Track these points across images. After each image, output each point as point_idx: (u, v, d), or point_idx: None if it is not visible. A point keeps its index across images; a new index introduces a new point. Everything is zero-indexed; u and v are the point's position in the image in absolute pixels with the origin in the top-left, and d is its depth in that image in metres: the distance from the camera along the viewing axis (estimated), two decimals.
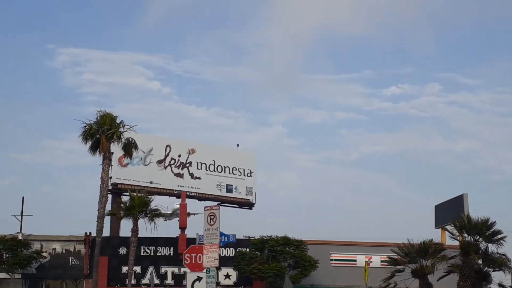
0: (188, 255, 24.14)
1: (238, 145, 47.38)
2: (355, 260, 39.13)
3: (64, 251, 38.29)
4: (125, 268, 35.46)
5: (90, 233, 37.28)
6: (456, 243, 30.26)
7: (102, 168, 32.43)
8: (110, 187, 36.46)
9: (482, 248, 29.32)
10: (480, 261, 29.21)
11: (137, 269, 36.67)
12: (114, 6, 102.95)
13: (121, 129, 32.86)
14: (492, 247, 29.43)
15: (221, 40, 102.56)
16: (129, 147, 33.77)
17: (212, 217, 22.26)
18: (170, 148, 43.52)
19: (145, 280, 37.20)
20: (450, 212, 40.99)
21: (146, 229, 33.27)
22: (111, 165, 34.30)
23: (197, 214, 36.41)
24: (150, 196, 34.36)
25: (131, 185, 40.25)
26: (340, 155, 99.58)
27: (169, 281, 37.72)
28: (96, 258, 32.45)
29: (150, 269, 37.61)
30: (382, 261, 36.86)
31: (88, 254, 37.22)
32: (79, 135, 32.56)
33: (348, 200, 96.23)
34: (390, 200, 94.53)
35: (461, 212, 36.11)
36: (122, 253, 37.22)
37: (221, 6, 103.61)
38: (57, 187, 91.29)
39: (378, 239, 43.49)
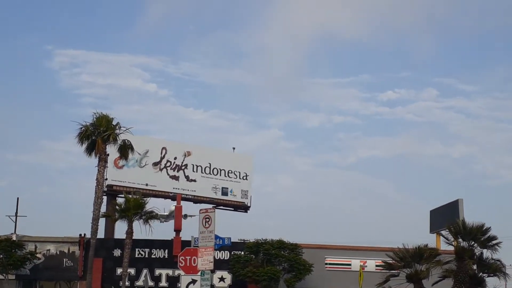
0: (183, 258, 24.13)
1: (234, 148, 47.44)
2: (349, 264, 39.12)
3: (58, 253, 38.18)
4: (119, 270, 35.40)
5: (84, 234, 37.20)
6: (451, 248, 30.27)
7: (98, 169, 32.45)
8: (105, 189, 36.37)
9: (477, 253, 29.33)
10: (474, 267, 29.23)
11: (132, 271, 36.56)
12: (113, 8, 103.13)
13: (117, 131, 32.88)
14: (487, 253, 29.47)
15: (220, 43, 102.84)
16: (125, 149, 33.78)
17: (207, 219, 22.26)
18: (166, 151, 43.50)
19: (139, 282, 37.15)
20: (445, 217, 41.00)
21: (141, 231, 33.27)
22: (107, 166, 34.33)
23: (194, 216, 36.55)
24: (145, 198, 34.36)
25: (127, 187, 40.15)
26: (337, 158, 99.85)
27: (163, 283, 37.62)
28: (90, 259, 32.39)
29: (145, 271, 37.54)
30: (377, 266, 36.89)
31: (83, 255, 37.13)
32: (75, 136, 32.66)
33: (344, 204, 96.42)
34: (385, 204, 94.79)
35: (456, 218, 36.13)
36: (117, 255, 37.13)
37: (220, 9, 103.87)
38: (54, 188, 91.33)
39: (373, 243, 43.49)
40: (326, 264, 39.20)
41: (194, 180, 44.04)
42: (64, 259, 38.04)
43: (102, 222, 36.24)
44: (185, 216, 39.87)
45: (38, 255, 37.48)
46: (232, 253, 37.36)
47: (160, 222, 38.93)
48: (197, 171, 44.27)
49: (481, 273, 29.39)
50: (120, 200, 36.43)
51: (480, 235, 29.00)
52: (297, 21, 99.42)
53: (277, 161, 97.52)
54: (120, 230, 37.39)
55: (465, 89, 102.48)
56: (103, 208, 34.40)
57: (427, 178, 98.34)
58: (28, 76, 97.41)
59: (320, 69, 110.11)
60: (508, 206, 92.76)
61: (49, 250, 38.23)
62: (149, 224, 33.32)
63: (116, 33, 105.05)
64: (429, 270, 29.21)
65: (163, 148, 43.49)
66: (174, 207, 40.11)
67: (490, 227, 29.10)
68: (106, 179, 36.29)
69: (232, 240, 34.73)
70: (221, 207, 44.50)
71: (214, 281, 36.19)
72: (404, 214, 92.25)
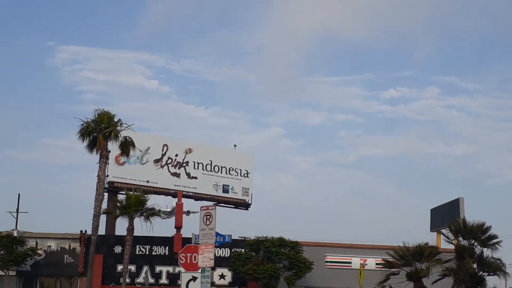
0: (184, 255, 24.08)
1: (235, 146, 47.42)
2: (350, 263, 39.13)
3: (59, 249, 38.20)
4: (120, 267, 35.40)
5: (85, 231, 37.22)
6: (451, 247, 30.25)
7: (99, 166, 32.41)
8: (106, 186, 36.34)
9: (477, 252, 29.28)
10: (475, 265, 29.19)
11: (132, 268, 36.58)
12: (115, 5, 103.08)
13: (118, 128, 32.84)
14: (487, 252, 29.39)
15: (221, 41, 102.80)
16: (126, 146, 33.76)
17: (208, 217, 22.23)
18: (167, 148, 43.49)
19: (140, 279, 37.15)
20: (446, 216, 40.99)
21: (142, 228, 33.24)
22: (108, 163, 34.32)
23: (197, 212, 36.37)
24: (146, 195, 34.31)
25: (128, 183, 40.18)
26: (338, 157, 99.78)
27: (164, 280, 37.66)
28: (91, 256, 32.38)
29: (145, 268, 37.55)
30: (377, 264, 36.81)
31: (83, 252, 37.16)
32: (76, 133, 32.62)
33: (344, 202, 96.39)
34: (386, 202, 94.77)
35: (457, 216, 36.10)
36: (117, 252, 37.15)
37: (221, 8, 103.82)
38: (55, 185, 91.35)
39: (373, 241, 43.64)
40: (327, 262, 39.20)
41: (195, 177, 44.03)
42: (65, 256, 38.07)
43: (103, 218, 36.31)
44: (188, 212, 39.88)
45: (39, 251, 37.53)
46: (233, 250, 37.37)
47: (162, 218, 38.93)
48: (198, 169, 44.27)
49: (481, 272, 29.35)
50: (121, 197, 36.40)
51: (481, 234, 28.96)
52: (298, 20, 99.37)
53: (278, 159, 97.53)
54: (121, 226, 37.45)
55: (466, 88, 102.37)
56: (104, 205, 34.43)
57: (428, 177, 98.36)
58: (30, 73, 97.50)
59: (321, 68, 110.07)
60: (508, 205, 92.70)
61: (50, 246, 38.26)
62: (150, 221, 33.30)
63: (118, 30, 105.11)
64: (429, 269, 29.17)
65: (165, 145, 43.49)
66: (176, 203, 40.13)
67: (490, 226, 29.07)
68: (107, 175, 36.35)
69: (232, 238, 34.63)
70: (222, 204, 44.52)
71: (214, 279, 36.17)
72: (404, 213, 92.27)
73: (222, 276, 37.69)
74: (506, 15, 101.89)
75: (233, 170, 45.47)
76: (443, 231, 33.31)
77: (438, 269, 29.48)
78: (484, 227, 29.00)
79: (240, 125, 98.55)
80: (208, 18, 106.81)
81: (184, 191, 42.28)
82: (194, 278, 22.57)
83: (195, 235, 29.64)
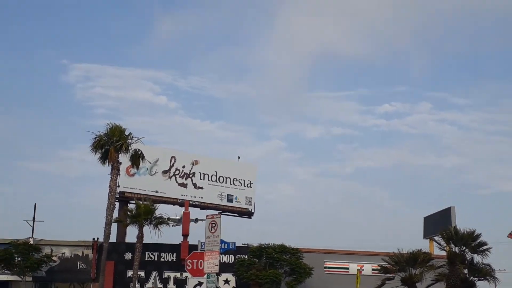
0: (190, 261, 24.17)
1: (239, 158, 47.47)
2: (347, 268, 39.06)
3: (72, 256, 38.22)
4: (130, 273, 35.39)
5: (97, 238, 37.24)
6: (444, 253, 30.24)
7: (111, 177, 32.44)
8: (117, 196, 36.36)
9: (468, 258, 29.28)
10: (466, 271, 29.16)
11: (142, 273, 36.54)
12: (125, 24, 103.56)
13: (129, 141, 32.93)
14: (477, 258, 29.40)
15: (226, 58, 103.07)
16: (137, 158, 33.83)
17: (213, 225, 22.32)
18: (175, 159, 43.55)
19: (149, 284, 37.12)
20: (438, 223, 40.90)
21: (151, 235, 33.21)
22: (119, 174, 34.30)
23: (204, 220, 36.42)
24: (155, 205, 34.32)
25: (138, 193, 40.15)
26: (336, 168, 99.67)
27: (171, 285, 37.57)
28: (103, 262, 32.40)
29: (154, 273, 37.53)
30: (373, 269, 36.82)
31: (96, 258, 37.16)
32: (89, 146, 32.71)
33: (342, 211, 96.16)
34: (382, 211, 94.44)
35: (449, 224, 36.04)
36: (128, 258, 37.15)
37: (226, 26, 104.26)
38: (69, 195, 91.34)
39: (370, 248, 43.43)
40: (326, 267, 39.15)
41: (201, 188, 44.05)
42: (78, 262, 38.08)
43: (114, 227, 36.36)
44: (196, 220, 39.86)
45: (53, 258, 37.51)
46: (237, 256, 37.34)
47: (172, 226, 38.93)
48: (204, 179, 44.27)
49: (472, 277, 29.32)
50: (132, 206, 36.42)
51: (471, 241, 28.96)
52: (299, 38, 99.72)
53: (279, 170, 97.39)
54: (131, 234, 37.49)
55: (457, 103, 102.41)
56: (115, 214, 34.35)
57: (421, 187, 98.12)
58: (46, 89, 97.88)
59: (320, 84, 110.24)
60: (497, 213, 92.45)
61: (64, 253, 38.28)
62: (159, 229, 33.28)
63: (128, 49, 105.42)
64: (422, 274, 29.17)
65: (172, 157, 43.54)
66: (183, 212, 40.16)
67: (480, 234, 29.08)
68: (118, 186, 36.28)
69: (236, 245, 34.64)
70: (227, 213, 44.45)
71: (219, 284, 36.16)
72: (399, 221, 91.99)
73: (226, 281, 37.64)
74: (495, 34, 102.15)
75: (237, 180, 45.50)
76: (436, 238, 33.31)
77: (431, 275, 29.46)
78: (475, 234, 29.01)
79: (244, 138, 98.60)
80: (214, 36, 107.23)
81: (191, 201, 42.32)
82: (200, 283, 22.72)
83: (201, 242, 29.70)
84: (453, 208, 42.74)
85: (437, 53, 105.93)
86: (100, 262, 33.38)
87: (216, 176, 44.84)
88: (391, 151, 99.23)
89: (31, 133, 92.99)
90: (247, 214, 46.03)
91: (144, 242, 33.33)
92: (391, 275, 29.95)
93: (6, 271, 36.15)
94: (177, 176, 43.39)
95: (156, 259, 38.06)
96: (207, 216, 23.30)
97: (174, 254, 37.97)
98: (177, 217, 40.39)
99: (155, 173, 42.54)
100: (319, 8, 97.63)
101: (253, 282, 35.31)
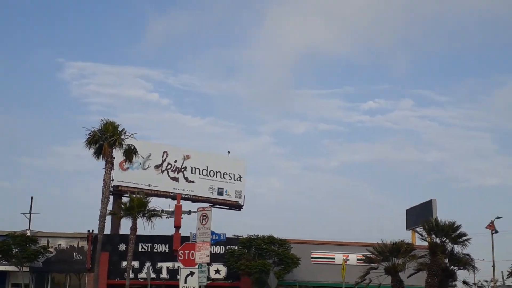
0: (182, 252, 24.10)
1: (229, 152, 47.37)
2: (333, 258, 39.16)
3: (68, 247, 38.05)
4: (124, 263, 35.30)
5: (92, 230, 37.09)
6: (425, 244, 30.33)
7: (105, 171, 32.30)
8: (111, 189, 36.21)
9: (448, 248, 29.37)
10: (446, 261, 29.27)
11: (135, 264, 36.49)
12: (119, 24, 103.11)
13: (122, 137, 32.78)
14: (457, 248, 29.50)
15: (215, 57, 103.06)
16: (130, 153, 33.69)
17: (204, 217, 22.27)
18: (167, 154, 43.40)
19: (142, 274, 37.03)
20: (420, 215, 41.10)
21: (144, 227, 33.19)
22: (113, 169, 34.16)
23: (196, 212, 36.34)
24: (148, 198, 34.25)
25: (131, 187, 39.99)
26: (322, 163, 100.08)
27: (164, 275, 37.58)
28: (98, 253, 32.27)
29: (147, 264, 37.44)
30: (358, 259, 36.97)
31: (91, 250, 37.02)
32: (84, 141, 32.52)
33: (328, 203, 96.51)
34: (366, 204, 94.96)
35: (430, 216, 36.20)
36: (122, 249, 37.04)
37: (216, 27, 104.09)
38: (64, 188, 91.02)
39: (355, 239, 43.58)
40: (312, 258, 39.22)
41: (193, 181, 43.96)
42: (74, 253, 37.93)
43: (108, 219, 36.18)
44: (190, 212, 39.88)
45: (50, 249, 37.37)
46: (227, 247, 37.33)
47: (166, 217, 38.93)
48: (195, 173, 44.17)
49: (452, 266, 29.45)
50: (125, 199, 36.30)
51: (452, 232, 29.06)
52: (286, 38, 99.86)
53: (268, 165, 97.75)
54: (125, 226, 37.37)
55: (438, 100, 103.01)
56: (110, 207, 34.25)
57: (404, 181, 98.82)
58: (41, 86, 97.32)
59: (307, 82, 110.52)
60: (476, 205, 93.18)
61: (60, 244, 38.11)
62: (151, 221, 33.26)
63: (122, 47, 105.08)
64: (405, 264, 29.25)
65: (165, 152, 43.40)
66: (175, 205, 40.06)
67: (460, 225, 29.20)
68: (113, 180, 36.16)
69: (227, 236, 34.58)
70: (217, 206, 44.40)
71: (210, 273, 36.07)
72: (382, 213, 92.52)
73: (217, 271, 37.65)
74: (474, 34, 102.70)
75: (227, 174, 45.43)
76: (418, 229, 33.41)
77: (413, 264, 29.56)
78: (455, 226, 29.11)
79: (233, 134, 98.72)
80: (204, 36, 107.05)
81: (183, 194, 42.24)
82: (191, 273, 22.58)
83: (193, 234, 29.63)
84: (434, 200, 42.99)
85: (418, 53, 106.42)
86: (95, 253, 33.26)
87: (207, 170, 44.75)
88: (374, 146, 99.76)
89: (29, 129, 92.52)
90: (237, 206, 46.01)
91: (137, 233, 33.26)
92: (375, 264, 30.02)
93: (4, 262, 35.97)
94: (169, 170, 43.26)
95: (149, 250, 37.98)
96: (198, 208, 23.25)
97: (167, 245, 37.90)
98: (170, 209, 40.38)
99: (148, 167, 42.39)
100: (306, 9, 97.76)
101: (243, 272, 35.36)
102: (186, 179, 43.79)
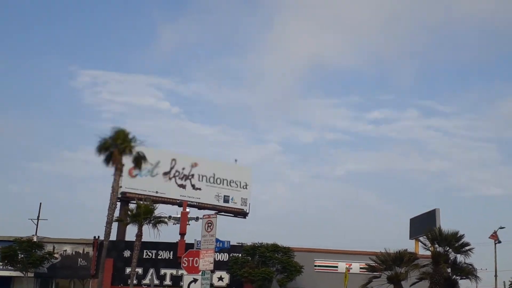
0: (186, 259, 23.79)
1: (236, 160, 47.19)
2: (336, 267, 38.79)
3: (74, 253, 37.81)
4: (128, 270, 35.05)
5: (98, 237, 36.84)
6: (428, 253, 30.01)
7: (114, 178, 31.94)
8: (119, 196, 36.03)
9: (451, 258, 29.07)
10: (449, 270, 28.97)
11: (139, 270, 36.18)
12: (130, 34, 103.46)
13: (132, 144, 32.53)
14: (460, 257, 29.23)
15: (225, 67, 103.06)
16: (139, 160, 33.43)
17: (209, 224, 21.99)
18: (175, 162, 43.23)
19: (146, 281, 36.73)
20: (424, 225, 40.64)
21: (149, 234, 32.87)
22: (122, 175, 33.95)
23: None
24: (154, 205, 34.00)
25: (139, 194, 39.75)
26: (327, 171, 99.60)
27: (167, 282, 37.25)
28: (102, 259, 31.94)
29: (151, 270, 37.15)
30: (361, 268, 36.51)
31: (96, 256, 36.74)
32: (94, 148, 32.29)
33: (332, 212, 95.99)
34: (370, 212, 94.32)
35: (433, 225, 35.82)
36: (126, 256, 36.77)
37: (225, 37, 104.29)
38: (72, 194, 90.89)
39: (358, 247, 43.16)
40: (315, 266, 38.87)
41: (199, 189, 43.74)
42: (79, 259, 37.68)
43: (114, 225, 35.88)
44: (197, 218, 39.64)
45: (55, 255, 37.10)
46: (231, 255, 37.00)
47: (173, 224, 38.71)
48: (202, 181, 43.97)
49: (454, 276, 29.12)
50: (132, 206, 36.09)
51: (455, 241, 28.75)
52: (294, 48, 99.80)
53: (274, 173, 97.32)
54: (130, 233, 37.08)
55: (443, 110, 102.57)
56: (117, 213, 34.04)
57: (408, 190, 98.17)
58: (54, 94, 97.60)
59: (314, 91, 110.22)
60: (479, 215, 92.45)
61: (65, 250, 37.87)
62: (157, 228, 32.98)
63: (133, 56, 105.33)
64: (407, 273, 28.94)
65: (173, 159, 43.22)
66: (181, 212, 39.81)
67: (463, 234, 28.90)
68: (121, 186, 35.96)
69: (231, 244, 34.40)
70: (223, 213, 44.15)
71: (213, 281, 35.81)
72: (386, 222, 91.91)
73: (220, 279, 37.30)
74: (478, 46, 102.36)
75: (233, 182, 45.19)
76: (421, 238, 33.06)
77: (416, 273, 29.24)
78: (458, 235, 28.81)
79: (241, 142, 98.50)
80: (213, 45, 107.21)
81: (189, 201, 42.01)
82: (195, 280, 22.29)
83: (197, 241, 29.37)
84: (437, 210, 42.56)
85: (423, 63, 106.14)
86: (100, 259, 32.96)
87: (213, 178, 44.54)
88: (380, 155, 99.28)
89: (39, 136, 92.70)
90: (242, 214, 45.73)
91: (142, 240, 32.98)
92: (378, 273, 29.70)
93: (9, 267, 35.70)
94: (177, 177, 43.06)
95: (153, 257, 37.69)
96: (203, 216, 22.98)
97: (171, 252, 37.61)
98: (177, 216, 40.21)
99: (156, 174, 42.22)
100: (314, 20, 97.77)
101: (246, 280, 34.99)
102: (193, 186, 43.58)
